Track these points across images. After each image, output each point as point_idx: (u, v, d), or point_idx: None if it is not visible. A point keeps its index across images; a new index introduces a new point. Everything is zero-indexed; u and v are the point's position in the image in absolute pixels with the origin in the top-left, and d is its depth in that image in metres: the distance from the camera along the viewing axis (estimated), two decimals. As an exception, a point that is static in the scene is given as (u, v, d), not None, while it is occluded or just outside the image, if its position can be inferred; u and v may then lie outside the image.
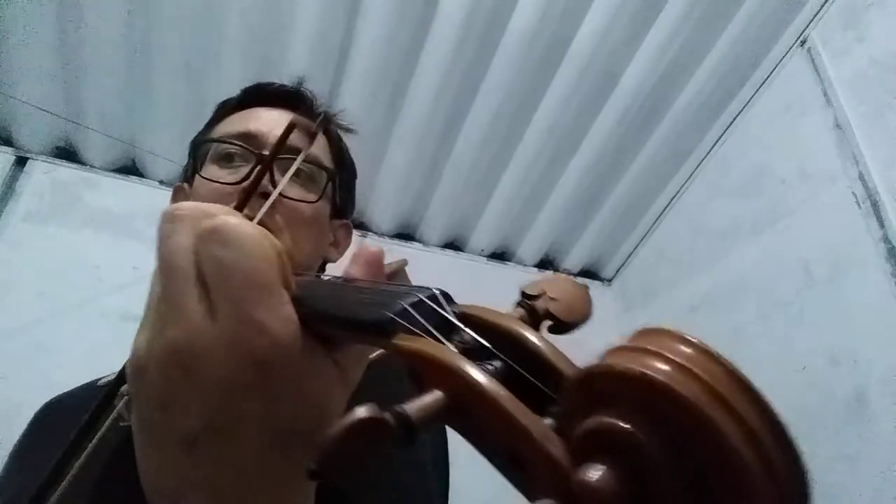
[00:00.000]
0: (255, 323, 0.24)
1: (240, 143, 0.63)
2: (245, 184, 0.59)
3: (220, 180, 0.61)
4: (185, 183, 0.70)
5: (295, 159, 0.61)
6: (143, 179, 1.63)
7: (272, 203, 0.58)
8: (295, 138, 0.64)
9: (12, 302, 1.35)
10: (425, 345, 0.19)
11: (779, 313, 1.28)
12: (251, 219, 0.46)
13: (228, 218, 0.26)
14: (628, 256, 1.89)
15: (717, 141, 1.60)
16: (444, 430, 0.54)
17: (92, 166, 1.59)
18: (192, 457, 0.24)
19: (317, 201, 0.64)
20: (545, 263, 1.92)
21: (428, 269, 1.74)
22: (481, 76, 1.47)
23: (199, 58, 1.41)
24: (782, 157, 1.38)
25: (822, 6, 1.34)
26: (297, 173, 0.62)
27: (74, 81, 1.43)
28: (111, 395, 0.38)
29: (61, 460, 0.36)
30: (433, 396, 0.17)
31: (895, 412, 1.01)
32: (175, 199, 0.73)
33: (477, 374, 0.17)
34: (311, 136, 0.58)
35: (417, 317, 0.20)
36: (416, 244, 1.82)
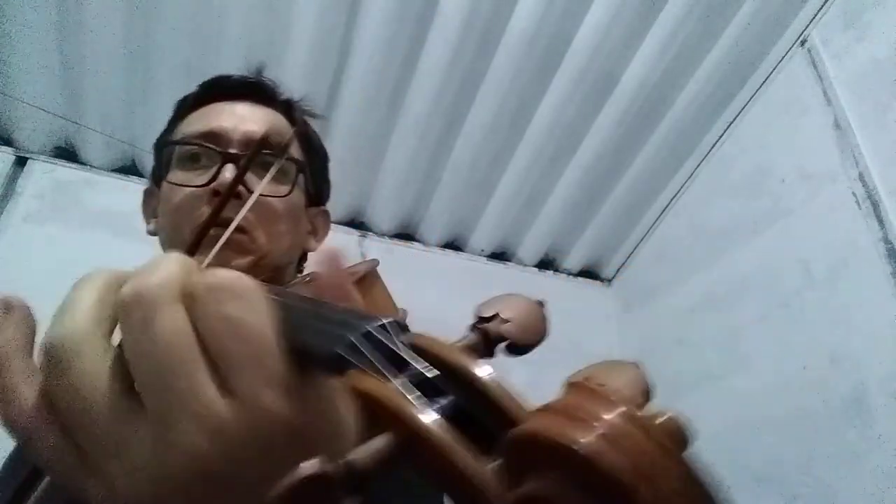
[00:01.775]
0: (268, 399, 0.20)
1: (204, 144, 0.61)
2: (213, 185, 0.58)
3: (189, 184, 0.60)
4: (155, 186, 0.69)
5: (266, 153, 0.60)
6: (143, 179, 1.63)
7: (241, 203, 0.56)
8: (265, 132, 0.62)
9: (12, 302, 1.35)
10: (375, 386, 0.18)
11: (779, 313, 1.28)
12: (229, 222, 0.45)
13: (219, 271, 0.22)
14: (628, 256, 1.89)
15: (717, 141, 1.60)
16: None
17: (92, 166, 1.59)
18: None
19: (288, 194, 0.62)
20: (545, 263, 1.92)
21: (428, 269, 1.74)
22: (481, 76, 1.47)
23: (199, 58, 1.41)
24: (782, 157, 1.38)
25: (822, 6, 1.34)
26: (264, 167, 0.60)
27: (74, 81, 1.43)
28: None
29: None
30: (383, 440, 0.17)
31: (895, 412, 1.01)
32: (146, 204, 0.72)
33: (423, 417, 0.17)
34: (283, 149, 0.57)
35: (364, 352, 0.19)
36: (416, 244, 1.82)
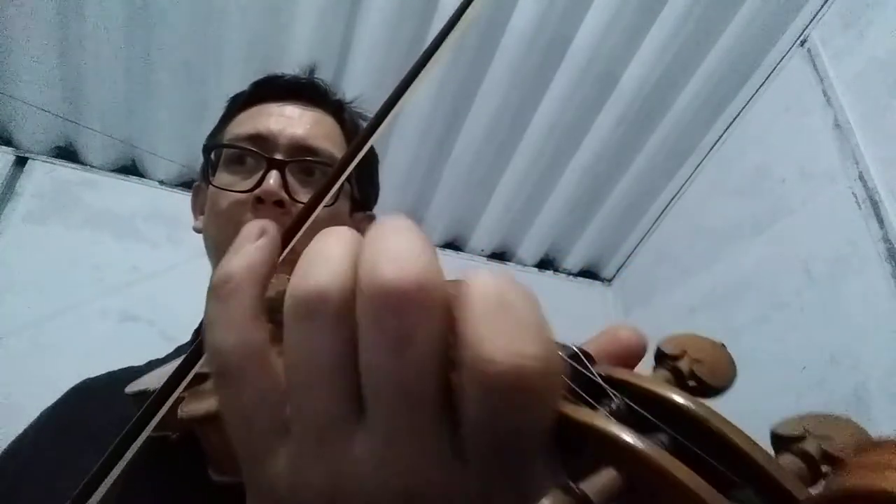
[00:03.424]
0: (416, 446, 0.17)
1: (249, 148, 0.61)
2: (257, 192, 0.57)
3: (233, 188, 0.59)
4: (203, 183, 0.69)
5: (310, 161, 0.61)
6: (143, 179, 1.63)
7: (286, 211, 0.57)
8: (311, 137, 0.63)
9: (12, 302, 1.35)
10: (589, 415, 0.17)
11: (779, 313, 1.28)
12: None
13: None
14: (628, 256, 1.89)
15: (717, 141, 1.60)
16: None
17: (92, 166, 1.59)
18: None
19: (333, 203, 0.61)
20: (545, 263, 1.92)
21: (428, 269, 1.74)
22: (481, 76, 1.47)
23: (199, 58, 1.41)
24: (782, 157, 1.38)
25: (822, 6, 1.34)
26: (310, 173, 0.61)
27: (74, 81, 1.43)
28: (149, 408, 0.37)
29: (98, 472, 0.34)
30: (609, 475, 0.15)
31: (895, 412, 1.01)
32: (195, 199, 0.72)
33: (657, 451, 0.15)
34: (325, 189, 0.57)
35: (566, 380, 0.18)
36: (416, 244, 1.82)
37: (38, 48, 1.38)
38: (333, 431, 0.18)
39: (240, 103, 0.68)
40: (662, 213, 1.77)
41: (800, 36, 1.39)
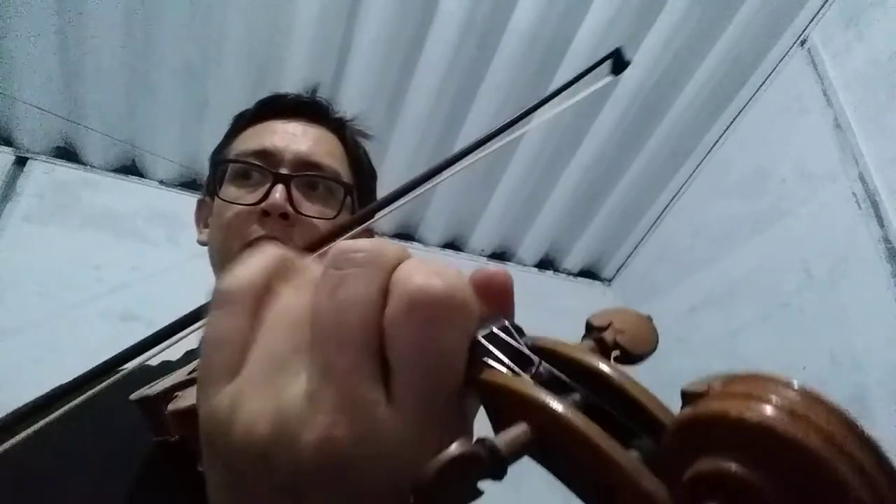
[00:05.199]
0: (437, 438, 0.19)
1: (255, 163, 0.63)
2: (263, 205, 0.60)
3: (239, 201, 0.62)
4: (208, 197, 0.71)
5: (314, 176, 0.64)
6: (143, 179, 1.63)
7: (290, 224, 0.60)
8: (315, 153, 0.66)
9: (12, 302, 1.35)
10: (506, 378, 0.19)
11: (779, 313, 1.28)
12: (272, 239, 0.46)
13: (435, 281, 0.19)
14: (628, 256, 1.89)
15: (717, 141, 1.60)
16: None
17: (92, 166, 1.59)
18: None
19: (335, 217, 0.64)
20: (545, 263, 1.92)
21: (428, 269, 1.74)
22: (481, 76, 1.47)
23: (199, 58, 1.41)
24: (782, 157, 1.38)
25: (822, 6, 1.34)
26: (314, 187, 0.64)
27: (74, 81, 1.43)
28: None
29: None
30: (519, 429, 0.17)
31: (895, 412, 1.01)
32: (199, 213, 0.75)
33: (562, 407, 0.17)
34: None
35: (491, 349, 0.20)
36: (416, 244, 1.82)
37: (38, 48, 1.38)
38: (279, 374, 0.20)
39: (245, 121, 0.71)
40: (662, 213, 1.77)
41: (800, 36, 1.39)
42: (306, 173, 0.63)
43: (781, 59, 1.44)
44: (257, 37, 1.38)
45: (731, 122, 1.56)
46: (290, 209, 0.60)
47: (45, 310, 1.36)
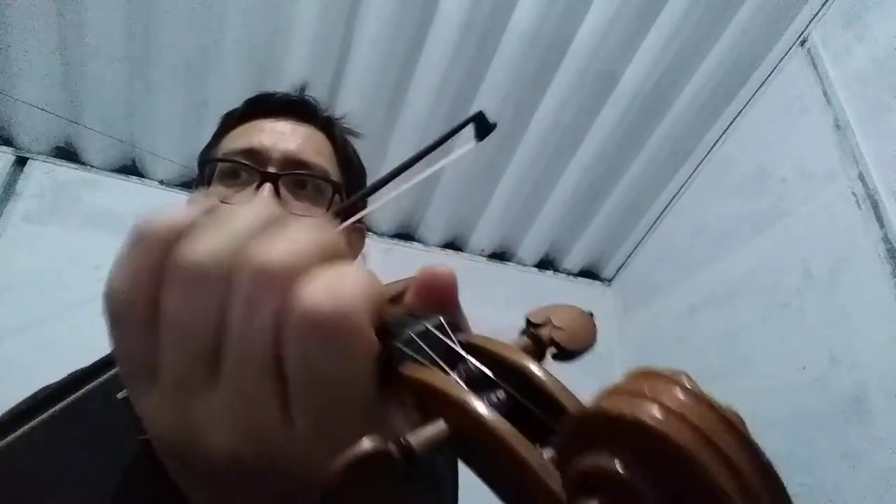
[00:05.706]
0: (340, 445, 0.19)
1: (243, 162, 0.63)
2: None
3: (227, 201, 0.61)
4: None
5: (302, 174, 0.64)
6: (143, 179, 1.63)
7: None
8: (303, 151, 0.65)
9: (12, 302, 1.35)
10: (430, 375, 0.19)
11: (779, 313, 1.28)
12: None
13: (324, 302, 0.19)
14: (628, 256, 1.89)
15: (717, 141, 1.60)
16: None
17: (92, 166, 1.59)
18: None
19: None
20: (545, 263, 1.92)
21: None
22: (481, 76, 1.47)
23: (199, 58, 1.41)
24: (782, 157, 1.38)
25: (822, 6, 1.34)
26: (302, 186, 0.64)
27: (74, 81, 1.43)
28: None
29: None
30: (436, 427, 0.17)
31: (895, 412, 1.01)
32: None
33: (479, 405, 0.17)
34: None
35: (424, 346, 0.20)
36: (416, 244, 1.82)
37: (38, 48, 1.38)
38: (188, 387, 0.21)
39: (233, 120, 0.71)
40: (662, 213, 1.77)
41: (800, 36, 1.39)
42: (294, 172, 0.63)
43: (781, 59, 1.44)
44: (257, 37, 1.38)
45: (731, 122, 1.56)
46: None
47: (45, 310, 1.36)
